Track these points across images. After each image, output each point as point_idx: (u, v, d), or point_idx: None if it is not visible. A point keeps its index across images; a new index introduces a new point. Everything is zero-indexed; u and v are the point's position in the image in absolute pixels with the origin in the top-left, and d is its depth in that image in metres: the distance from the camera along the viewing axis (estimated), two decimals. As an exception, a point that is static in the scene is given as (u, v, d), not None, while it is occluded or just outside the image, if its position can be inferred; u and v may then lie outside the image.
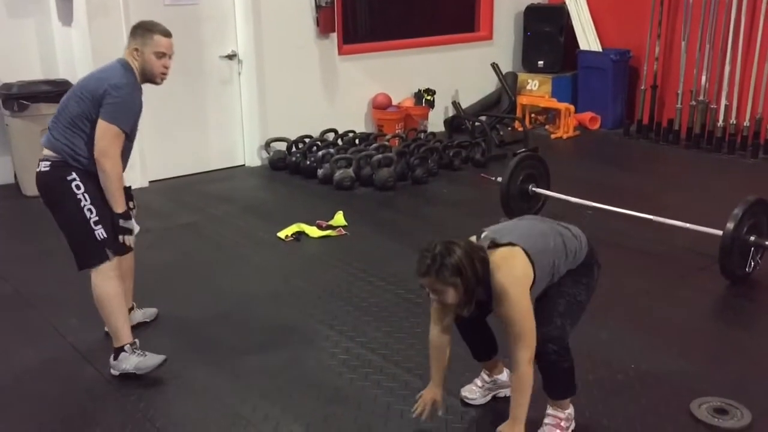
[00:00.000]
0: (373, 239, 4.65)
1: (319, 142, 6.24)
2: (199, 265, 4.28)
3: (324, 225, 4.77)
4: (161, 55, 3.07)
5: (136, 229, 3.16)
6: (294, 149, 6.21)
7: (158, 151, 5.85)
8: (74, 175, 2.95)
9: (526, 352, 2.33)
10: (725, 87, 6.69)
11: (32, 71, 5.55)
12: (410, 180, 5.79)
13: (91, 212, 2.95)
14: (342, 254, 4.38)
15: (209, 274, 4.14)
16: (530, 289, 2.38)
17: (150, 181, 5.80)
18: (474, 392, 2.80)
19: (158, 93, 5.77)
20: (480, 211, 5.13)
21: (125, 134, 2.98)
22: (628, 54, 7.43)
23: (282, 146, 6.26)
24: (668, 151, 6.85)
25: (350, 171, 5.68)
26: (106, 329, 3.16)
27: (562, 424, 2.56)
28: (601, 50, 7.50)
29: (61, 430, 2.72)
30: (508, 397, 2.57)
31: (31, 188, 5.48)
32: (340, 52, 6.64)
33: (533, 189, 4.82)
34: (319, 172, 5.78)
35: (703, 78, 6.80)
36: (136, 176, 5.69)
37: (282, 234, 4.64)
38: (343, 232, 4.71)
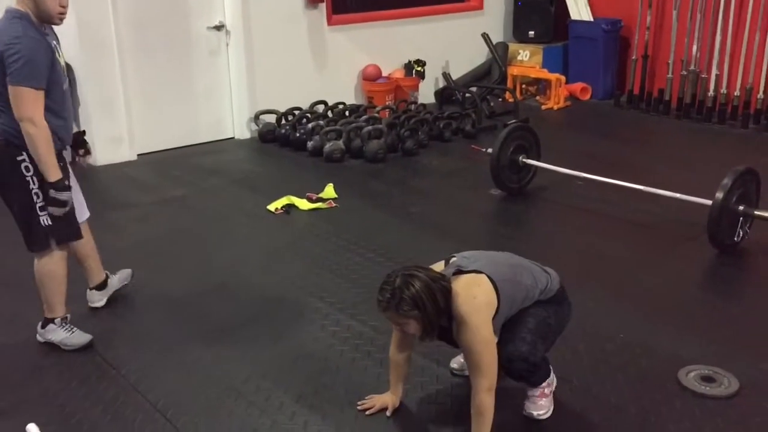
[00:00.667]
0: (363, 211, 4.64)
1: (308, 114, 6.20)
2: (188, 239, 4.27)
3: (314, 197, 4.75)
4: None
5: (70, 201, 2.92)
6: (283, 121, 6.16)
7: (146, 124, 5.80)
8: (25, 155, 2.79)
9: (484, 380, 2.30)
10: (716, 56, 6.66)
11: (16, 43, 5.46)
12: (400, 152, 5.77)
13: (38, 197, 2.85)
14: (332, 226, 4.37)
15: (199, 248, 4.13)
16: (494, 319, 2.35)
17: (138, 155, 5.75)
18: (462, 364, 2.82)
19: (146, 64, 5.75)
20: (470, 182, 5.13)
21: (43, 90, 2.73)
22: (619, 23, 7.38)
23: (271, 118, 6.21)
24: (659, 122, 6.84)
25: (340, 143, 5.64)
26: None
27: (545, 391, 2.59)
28: (592, 20, 7.44)
29: (55, 403, 2.72)
30: None
31: None
32: (330, 23, 6.57)
33: (523, 160, 4.81)
34: (309, 144, 5.75)
35: (694, 47, 6.77)
36: (124, 149, 5.65)
37: (272, 207, 4.62)
38: (333, 204, 4.70)
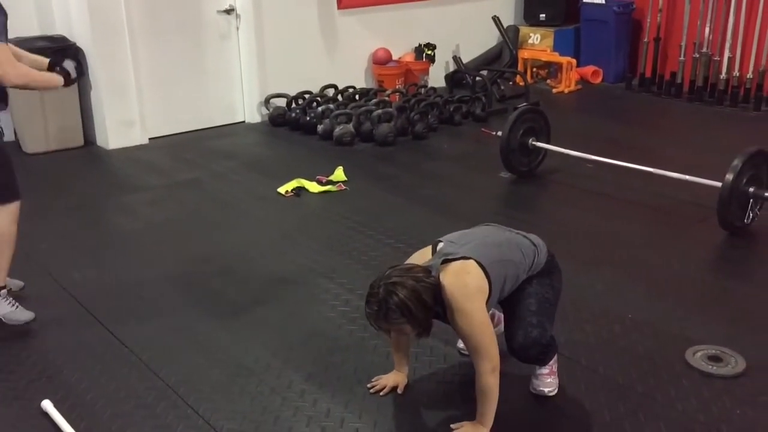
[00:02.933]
0: (372, 194, 4.66)
1: (318, 98, 6.21)
2: (200, 221, 4.30)
3: (324, 180, 4.77)
4: None
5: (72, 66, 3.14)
6: (294, 105, 6.18)
7: (158, 108, 5.83)
8: None
9: (486, 363, 2.31)
10: (729, 39, 6.61)
11: (29, 27, 5.50)
12: (410, 135, 5.78)
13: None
14: (342, 209, 4.39)
15: (211, 230, 4.17)
16: (486, 302, 2.36)
17: (150, 138, 5.79)
18: None
19: (157, 48, 5.77)
20: (480, 165, 5.14)
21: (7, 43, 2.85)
22: (631, 6, 7.32)
23: (282, 102, 6.22)
24: (671, 105, 6.80)
25: (350, 126, 5.66)
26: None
27: (554, 368, 2.62)
28: (603, 2, 7.37)
29: (69, 381, 2.77)
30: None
31: (31, 145, 5.50)
32: (340, 6, 6.55)
33: (533, 143, 4.81)
34: (319, 127, 5.76)
35: (707, 30, 6.71)
36: (136, 133, 5.69)
37: (282, 189, 4.65)
38: (343, 187, 4.72)
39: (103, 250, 3.90)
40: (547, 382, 2.60)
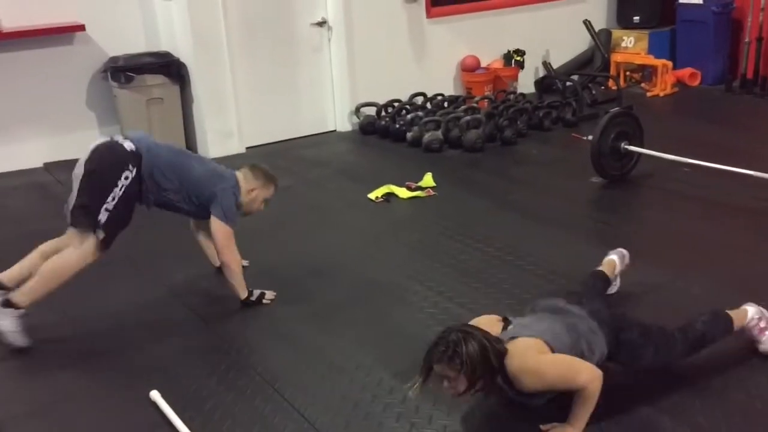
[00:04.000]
0: (461, 199, 4.70)
1: (408, 106, 6.30)
2: (294, 225, 4.47)
3: (413, 186, 4.85)
4: (267, 202, 3.54)
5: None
6: (383, 113, 6.30)
7: (253, 119, 6.08)
8: (131, 172, 3.12)
9: (579, 379, 2.32)
10: (839, 36, 6.27)
11: (137, 44, 5.86)
12: (499, 141, 5.78)
13: (113, 199, 3.08)
14: (430, 214, 4.45)
15: (304, 233, 4.32)
16: None
17: (246, 148, 6.04)
18: None
19: (252, 63, 6.03)
20: (570, 170, 5.08)
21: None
22: (731, 5, 7.06)
23: (371, 111, 6.36)
24: (774, 107, 6.50)
25: (439, 133, 5.72)
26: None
27: (761, 324, 2.79)
28: (702, 2, 7.14)
29: (172, 374, 2.95)
30: None
31: (138, 156, 5.84)
32: (429, 16, 6.64)
33: (625, 147, 4.72)
34: (408, 135, 5.85)
35: (815, 27, 6.39)
36: (234, 143, 5.95)
37: (372, 195, 4.76)
38: (432, 192, 4.78)
39: (198, 252, 4.09)
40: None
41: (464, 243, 3.98)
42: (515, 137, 5.78)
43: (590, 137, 4.70)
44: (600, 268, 3.19)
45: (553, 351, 2.39)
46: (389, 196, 4.77)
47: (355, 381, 2.81)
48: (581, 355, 2.44)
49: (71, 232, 3.16)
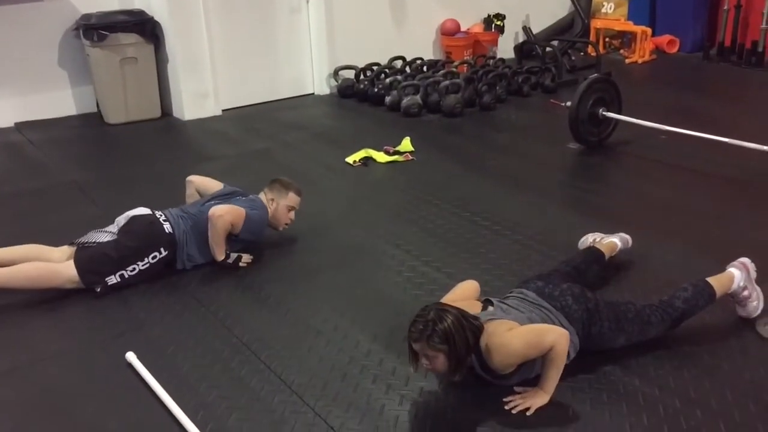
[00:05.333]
0: (439, 164, 4.70)
1: (386, 70, 6.25)
2: (271, 189, 4.42)
3: (391, 150, 4.83)
4: (291, 209, 3.55)
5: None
6: (362, 77, 6.24)
7: (230, 81, 5.99)
8: (164, 251, 3.28)
9: (546, 340, 2.34)
10: (816, 5, 6.30)
11: (110, 1, 5.71)
12: (478, 107, 5.76)
13: (139, 265, 3.21)
14: (408, 178, 4.45)
15: (281, 197, 4.28)
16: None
17: (223, 110, 5.96)
18: None
19: (228, 23, 5.91)
20: (548, 136, 5.09)
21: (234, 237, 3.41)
22: (711, -28, 7.06)
23: (350, 74, 6.30)
24: (751, 75, 6.55)
25: (418, 98, 5.68)
26: None
27: (744, 294, 2.81)
28: (682, -31, 7.14)
29: (150, 336, 2.93)
30: None
31: (112, 116, 5.74)
32: (408, -23, 6.56)
33: (603, 113, 4.73)
34: (387, 99, 5.81)
35: (793, -4, 6.41)
36: (210, 105, 5.87)
37: (350, 159, 4.73)
38: (410, 157, 4.77)
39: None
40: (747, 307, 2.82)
41: (442, 208, 3.99)
42: (494, 103, 5.77)
43: (569, 103, 4.70)
44: (599, 246, 3.16)
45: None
46: (367, 160, 4.75)
47: (333, 343, 2.82)
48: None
49: (71, 252, 3.21)
